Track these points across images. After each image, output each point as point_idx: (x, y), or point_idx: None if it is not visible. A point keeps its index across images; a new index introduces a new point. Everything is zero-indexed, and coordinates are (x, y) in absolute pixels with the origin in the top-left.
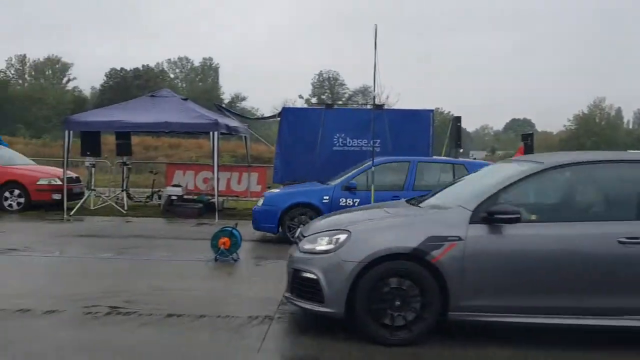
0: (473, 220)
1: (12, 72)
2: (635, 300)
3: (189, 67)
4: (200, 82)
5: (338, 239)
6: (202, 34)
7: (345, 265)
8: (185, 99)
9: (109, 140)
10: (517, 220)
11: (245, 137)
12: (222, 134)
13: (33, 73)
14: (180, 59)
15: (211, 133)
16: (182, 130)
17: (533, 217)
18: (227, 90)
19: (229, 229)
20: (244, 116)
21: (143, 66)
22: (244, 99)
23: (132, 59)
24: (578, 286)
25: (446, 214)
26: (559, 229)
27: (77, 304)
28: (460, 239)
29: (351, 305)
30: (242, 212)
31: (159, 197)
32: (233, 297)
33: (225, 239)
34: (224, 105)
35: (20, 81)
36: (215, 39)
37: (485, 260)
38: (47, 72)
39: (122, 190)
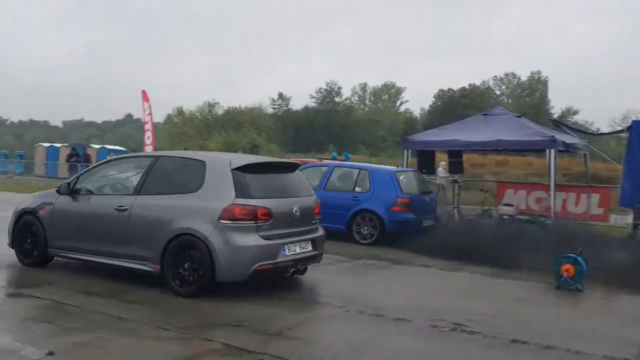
0: (60, 193)
1: (356, 98)
2: (126, 248)
3: (515, 82)
4: (527, 97)
5: (22, 201)
6: (529, 48)
7: (15, 215)
8: (519, 116)
9: (439, 158)
10: (59, 193)
11: (585, 154)
12: (558, 151)
13: (372, 98)
14: (506, 74)
15: (547, 150)
16: (514, 148)
17: (113, 192)
18: (557, 104)
19: (573, 255)
20: (584, 132)
21: (469, 85)
22: (575, 112)
23: (458, 79)
24: (103, 238)
25: (53, 189)
26: (95, 200)
27: (423, 315)
28: (52, 204)
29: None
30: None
31: (490, 216)
32: (581, 331)
33: (568, 266)
34: (558, 120)
35: (362, 106)
36: (542, 51)
37: (60, 217)
38: (383, 97)
39: (454, 207)
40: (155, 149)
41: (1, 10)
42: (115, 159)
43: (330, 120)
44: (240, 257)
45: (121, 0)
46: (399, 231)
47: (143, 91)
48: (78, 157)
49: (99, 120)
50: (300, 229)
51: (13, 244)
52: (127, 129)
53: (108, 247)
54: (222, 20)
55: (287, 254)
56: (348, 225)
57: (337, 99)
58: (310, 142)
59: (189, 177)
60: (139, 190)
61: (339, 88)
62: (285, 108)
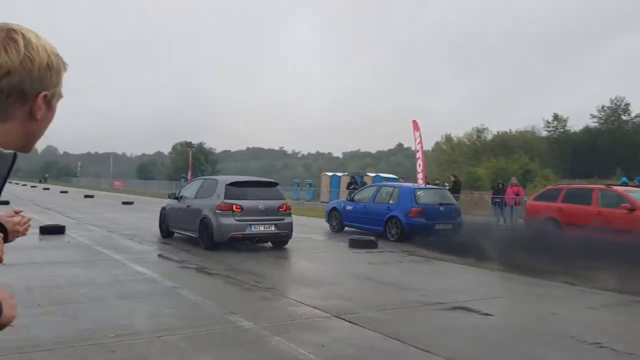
0: (172, 198)
1: None
2: (189, 226)
3: None
4: None
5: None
6: None
7: (160, 210)
8: None
9: None
10: (170, 198)
11: None
12: None
13: None
14: None
15: None
16: None
17: (189, 197)
18: None
19: None
20: None
21: None
22: None
23: None
24: (183, 221)
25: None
26: (183, 202)
27: None
28: (171, 204)
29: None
30: None
31: None
32: None
33: None
34: None
35: None
36: None
37: (171, 211)
38: None
39: None
40: (426, 177)
41: (284, 59)
42: (195, 179)
43: (617, 142)
44: (223, 229)
45: (390, 37)
46: (414, 231)
47: (414, 121)
48: (356, 185)
49: (373, 150)
50: (265, 218)
51: (160, 225)
52: (398, 158)
53: (184, 226)
54: (491, 43)
55: (253, 230)
56: (384, 227)
57: (624, 117)
58: (591, 166)
59: (212, 189)
60: (195, 196)
61: (627, 105)
62: (562, 130)
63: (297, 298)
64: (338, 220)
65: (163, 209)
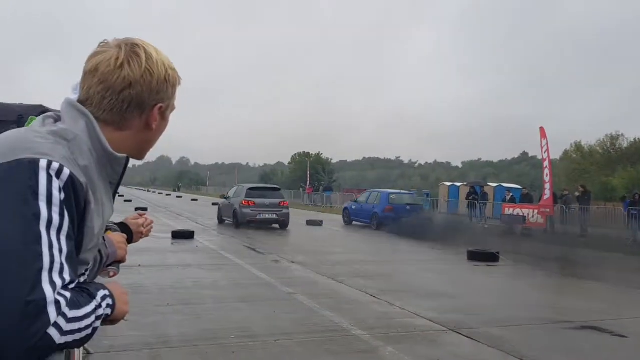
0: (224, 198)
1: None
2: (230, 215)
3: None
4: None
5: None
6: None
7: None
8: None
9: None
10: (222, 198)
11: None
12: None
13: None
14: None
15: None
16: None
17: (231, 197)
18: None
19: None
20: None
21: None
22: None
23: None
24: (227, 213)
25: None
26: (228, 200)
27: None
28: (222, 202)
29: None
30: None
31: None
32: None
33: None
34: None
35: None
36: None
37: (223, 207)
38: None
39: None
40: (552, 187)
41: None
42: (236, 187)
43: None
44: (243, 215)
45: (515, 42)
46: (386, 222)
47: (541, 128)
48: (476, 195)
49: (494, 159)
50: (269, 209)
51: (217, 216)
52: (522, 167)
53: (227, 214)
54: (623, 45)
55: (261, 216)
56: (370, 220)
57: None
58: None
59: (240, 191)
60: (233, 196)
61: None
62: None
63: (413, 310)
64: (348, 216)
65: (218, 205)
